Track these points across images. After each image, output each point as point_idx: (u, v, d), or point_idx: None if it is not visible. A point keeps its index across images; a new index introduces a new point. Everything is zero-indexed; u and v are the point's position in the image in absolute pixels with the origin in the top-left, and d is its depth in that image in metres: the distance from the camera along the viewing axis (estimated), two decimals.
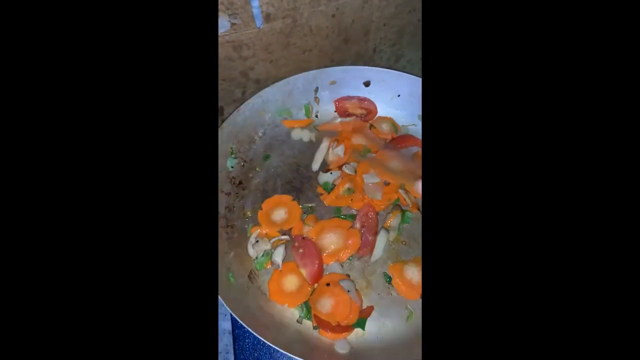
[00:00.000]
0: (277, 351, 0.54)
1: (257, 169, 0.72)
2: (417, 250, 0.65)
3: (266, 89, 0.71)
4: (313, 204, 0.68)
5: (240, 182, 0.71)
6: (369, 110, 0.76)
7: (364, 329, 0.59)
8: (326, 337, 0.58)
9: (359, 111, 0.76)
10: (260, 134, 0.74)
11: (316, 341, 0.58)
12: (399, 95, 0.75)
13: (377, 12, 0.68)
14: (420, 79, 0.71)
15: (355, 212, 0.67)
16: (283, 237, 0.65)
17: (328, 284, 0.60)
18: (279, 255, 0.62)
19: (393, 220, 0.66)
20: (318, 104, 0.76)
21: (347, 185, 0.68)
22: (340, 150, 0.71)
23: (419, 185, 0.68)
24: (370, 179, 0.68)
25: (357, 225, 0.65)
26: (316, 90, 0.75)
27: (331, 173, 0.70)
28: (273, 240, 0.65)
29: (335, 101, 0.76)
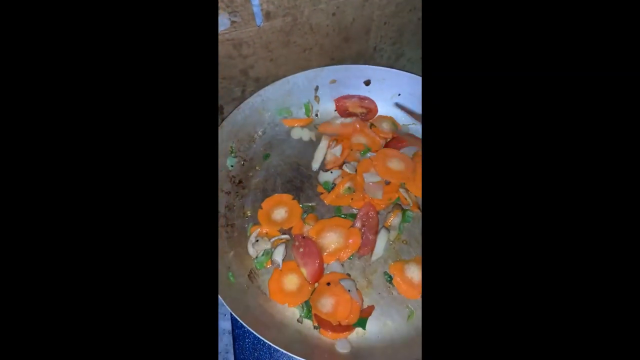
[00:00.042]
0: (277, 351, 0.54)
1: (257, 167, 0.72)
2: (418, 250, 0.64)
3: (266, 87, 0.71)
4: (313, 203, 0.68)
5: (240, 181, 0.71)
6: (369, 109, 0.76)
7: (364, 329, 0.59)
8: (327, 336, 0.58)
9: (359, 110, 0.76)
10: (260, 133, 0.74)
11: (317, 341, 0.58)
12: (399, 94, 0.75)
13: (378, 10, 0.68)
14: (420, 78, 0.71)
15: (355, 211, 0.67)
16: (283, 236, 0.65)
17: (328, 284, 0.60)
18: (279, 255, 0.62)
19: (394, 220, 0.66)
20: (318, 102, 0.76)
21: (347, 184, 0.68)
22: (337, 150, 0.71)
23: (419, 185, 0.67)
24: (371, 178, 0.67)
25: (358, 224, 0.65)
26: (316, 89, 0.75)
27: (331, 172, 0.69)
28: (273, 239, 0.65)
29: (336, 100, 0.76)
